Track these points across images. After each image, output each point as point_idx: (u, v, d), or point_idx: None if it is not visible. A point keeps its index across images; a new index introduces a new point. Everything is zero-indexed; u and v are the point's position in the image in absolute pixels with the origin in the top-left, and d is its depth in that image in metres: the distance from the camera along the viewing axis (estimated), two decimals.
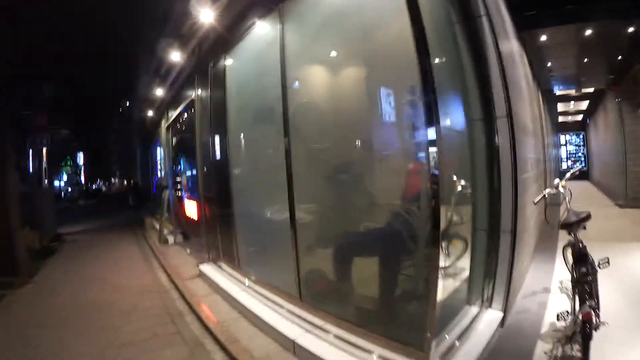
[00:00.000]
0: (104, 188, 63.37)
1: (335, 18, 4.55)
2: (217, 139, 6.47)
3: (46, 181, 13.59)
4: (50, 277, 7.40)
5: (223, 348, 3.94)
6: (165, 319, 4.92)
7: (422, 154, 3.38)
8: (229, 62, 6.12)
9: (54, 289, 6.51)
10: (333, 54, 4.92)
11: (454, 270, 3.79)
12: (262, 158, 5.77)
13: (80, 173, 54.65)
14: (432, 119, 2.85)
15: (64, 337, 4.51)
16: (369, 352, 3.23)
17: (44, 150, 12.52)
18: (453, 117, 3.70)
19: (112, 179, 72.91)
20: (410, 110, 3.74)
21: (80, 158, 55.34)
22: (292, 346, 3.61)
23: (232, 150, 6.10)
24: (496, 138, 3.60)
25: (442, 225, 2.83)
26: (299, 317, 4.09)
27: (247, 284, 5.28)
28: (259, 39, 5.27)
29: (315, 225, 4.71)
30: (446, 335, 3.16)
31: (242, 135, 6.12)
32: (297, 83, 4.69)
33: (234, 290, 5.19)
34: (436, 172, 2.85)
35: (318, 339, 3.61)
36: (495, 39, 3.71)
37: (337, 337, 3.56)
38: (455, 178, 3.42)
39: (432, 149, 2.86)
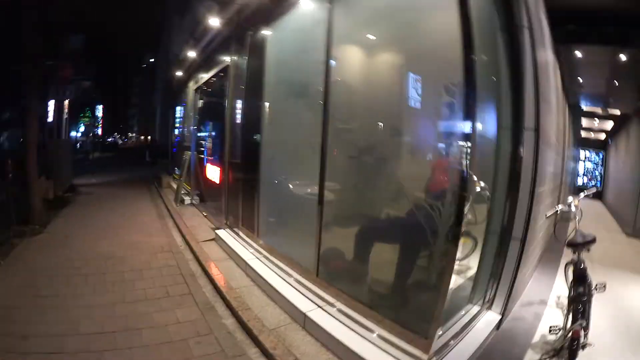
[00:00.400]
0: (120, 142, 63.74)
1: (385, 6, 4.64)
2: (250, 107, 6.47)
3: (64, 132, 13.63)
4: (64, 228, 7.45)
5: (234, 314, 4.03)
6: (178, 279, 5.03)
7: (452, 151, 3.58)
8: (270, 33, 6.08)
9: (66, 240, 6.56)
10: (377, 40, 5.06)
11: (462, 267, 3.96)
12: (295, 132, 5.85)
13: (98, 125, 54.83)
14: (469, 117, 2.98)
15: (75, 288, 4.58)
16: (376, 334, 3.37)
17: (66, 101, 12.47)
18: (484, 122, 3.77)
19: (130, 134, 73.24)
20: (447, 106, 3.87)
21: (100, 110, 55.46)
22: (303, 319, 3.75)
23: (265, 120, 6.11)
24: (521, 149, 3.68)
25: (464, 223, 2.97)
26: (313, 292, 4.20)
27: (263, 254, 5.38)
28: (305, 16, 5.27)
29: (341, 204, 4.84)
30: (446, 329, 3.30)
31: (277, 107, 6.14)
32: (339, 63, 4.73)
33: (249, 257, 5.30)
34: (466, 171, 2.97)
35: (329, 315, 3.74)
36: (533, 52, 3.78)
37: (347, 315, 3.69)
38: (477, 179, 3.49)
39: (466, 148, 2.99)
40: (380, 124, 4.83)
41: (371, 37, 5.15)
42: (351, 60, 5.22)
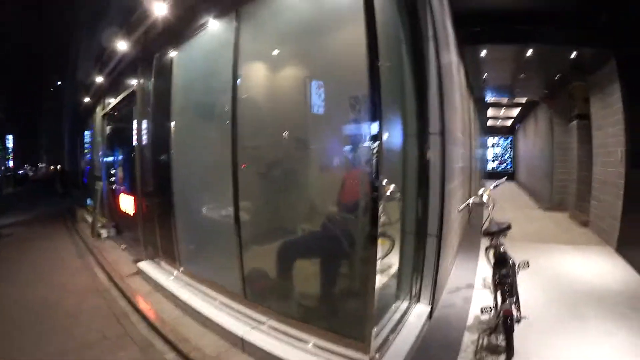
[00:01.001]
0: (30, 173, 59.69)
1: (291, 23, 4.74)
2: (158, 132, 6.29)
3: None
4: None
5: (174, 347, 3.97)
6: (112, 320, 4.85)
7: (360, 160, 3.74)
8: (177, 56, 6.02)
9: None
10: (283, 55, 5.14)
11: (383, 267, 4.11)
12: (205, 155, 5.78)
13: (9, 158, 51.10)
14: (375, 124, 3.11)
15: (18, 341, 4.38)
16: (314, 345, 3.47)
17: None
18: (391, 129, 3.94)
19: (39, 164, 68.80)
20: (352, 118, 4.02)
21: (10, 141, 51.75)
22: (240, 342, 3.76)
23: (174, 145, 6.01)
24: (428, 153, 3.92)
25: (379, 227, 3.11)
26: (244, 314, 4.21)
27: (188, 282, 5.29)
28: (212, 37, 5.26)
29: (257, 223, 4.84)
30: (381, 328, 3.45)
31: (186, 130, 6.05)
32: (246, 81, 4.81)
33: (175, 288, 5.19)
34: (375, 176, 3.11)
35: (265, 334, 3.77)
36: (438, 60, 4.02)
37: (283, 332, 3.75)
38: (388, 184, 3.62)
39: (374, 155, 3.12)
40: (285, 135, 4.92)
41: (277, 53, 5.22)
42: (257, 77, 5.26)
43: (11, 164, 51.03)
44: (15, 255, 8.70)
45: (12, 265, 7.83)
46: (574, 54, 7.98)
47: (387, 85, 3.44)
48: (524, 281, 3.81)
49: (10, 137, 51.48)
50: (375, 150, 3.11)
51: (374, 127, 3.11)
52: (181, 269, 5.66)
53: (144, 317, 4.81)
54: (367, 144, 3.25)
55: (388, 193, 3.62)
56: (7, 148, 51.04)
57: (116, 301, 5.50)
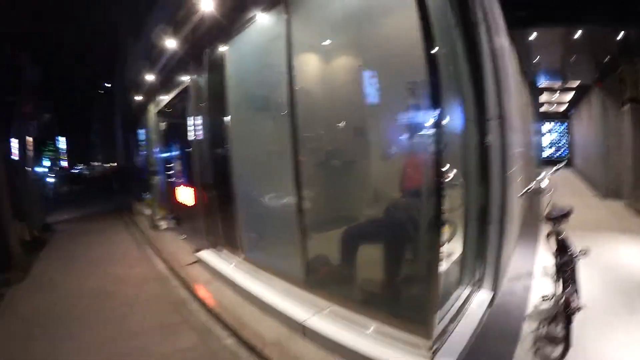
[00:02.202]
0: (86, 172, 62.23)
1: (342, 11, 4.73)
2: (215, 125, 6.40)
3: (31, 169, 13.31)
4: (46, 270, 7.26)
5: (234, 333, 4.04)
6: (169, 308, 4.99)
7: (421, 146, 3.70)
8: (228, 50, 6.06)
9: (52, 283, 6.43)
10: (336, 45, 5.18)
11: (446, 253, 4.05)
12: (263, 144, 5.86)
13: (62, 158, 53.58)
14: (436, 110, 3.05)
15: (70, 330, 4.51)
16: (374, 330, 3.47)
17: (30, 138, 12.16)
18: (450, 115, 3.83)
19: (94, 162, 71.62)
20: (411, 104, 3.98)
21: (62, 142, 54.22)
22: (301, 328, 3.79)
23: (232, 136, 6.07)
24: (488, 138, 3.82)
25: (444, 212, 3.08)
26: (306, 300, 4.24)
27: (250, 270, 5.36)
28: (263, 29, 5.27)
29: (317, 211, 4.87)
30: (444, 314, 3.41)
31: (242, 121, 6.10)
32: (300, 71, 4.75)
33: (236, 275, 5.28)
34: (439, 162, 3.05)
35: (326, 320, 3.79)
36: (491, 45, 3.91)
37: (344, 318, 3.76)
38: (450, 170, 3.54)
39: (435, 141, 3.08)
40: (342, 124, 4.90)
41: (330, 43, 5.22)
42: (311, 67, 5.30)
43: (65, 163, 53.28)
44: (71, 249, 9.07)
45: (68, 258, 8.16)
46: (621, 34, 7.61)
47: (443, 70, 3.35)
48: (582, 270, 3.67)
49: (62, 139, 53.63)
50: (437, 136, 3.05)
51: (435, 113, 3.05)
52: (242, 256, 5.74)
53: (202, 304, 4.92)
54: (427, 129, 3.19)
55: (450, 178, 3.55)
56: (59, 149, 53.27)
57: (175, 290, 5.65)
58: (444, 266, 3.71)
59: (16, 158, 11.32)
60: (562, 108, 22.73)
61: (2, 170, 7.90)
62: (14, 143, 11.45)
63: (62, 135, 54.03)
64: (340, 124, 4.77)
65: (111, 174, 35.38)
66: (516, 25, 6.86)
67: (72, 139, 59.90)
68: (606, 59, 9.81)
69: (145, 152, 14.78)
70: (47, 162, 45.98)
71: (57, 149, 52.53)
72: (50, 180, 35.36)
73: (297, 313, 4.00)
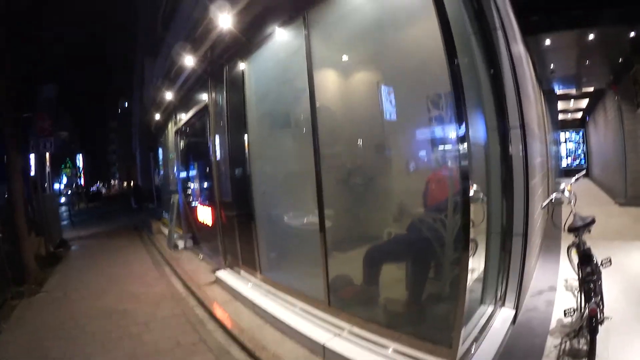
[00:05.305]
0: (103, 190, 63.18)
1: (361, 26, 4.70)
2: (234, 143, 6.36)
3: (48, 185, 13.50)
4: (61, 285, 7.30)
5: (251, 355, 3.95)
6: (186, 327, 4.92)
7: (444, 161, 3.68)
8: (247, 67, 6.03)
9: (66, 298, 6.45)
10: (356, 60, 5.18)
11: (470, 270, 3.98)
12: (284, 162, 5.86)
13: (80, 175, 54.47)
14: (460, 123, 2.98)
15: (83, 348, 4.45)
16: (397, 351, 3.36)
17: (47, 154, 12.36)
18: (472, 126, 3.74)
19: (112, 181, 72.73)
20: (434, 117, 3.89)
21: (80, 160, 55.19)
22: (321, 350, 3.70)
23: (252, 155, 6.01)
24: (510, 147, 3.74)
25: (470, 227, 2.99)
26: (326, 321, 4.15)
27: (269, 290, 5.30)
28: (282, 45, 5.27)
29: (339, 229, 4.80)
30: (467, 333, 3.30)
31: (262, 139, 6.08)
32: (320, 88, 4.72)
33: (255, 296, 5.21)
34: (466, 178, 2.97)
35: (348, 342, 3.70)
36: (509, 51, 3.85)
37: (366, 339, 3.65)
38: (471, 184, 3.53)
39: (459, 154, 3.00)
40: (360, 142, 4.84)
41: (350, 58, 5.20)
42: (331, 83, 5.26)
43: (82, 181, 54.20)
44: (88, 265, 9.13)
45: (84, 274, 8.22)
46: (632, 34, 7.52)
47: (463, 79, 3.31)
48: (605, 281, 3.56)
49: (80, 157, 54.66)
50: (462, 150, 2.97)
51: (460, 127, 2.99)
52: (262, 277, 5.67)
53: (220, 325, 4.84)
54: (451, 143, 3.12)
55: (472, 192, 3.47)
56: (78, 167, 54.25)
57: (192, 309, 5.58)
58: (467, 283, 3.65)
59: (33, 174, 11.51)
60: (578, 116, 22.66)
61: (19, 185, 8.01)
62: (32, 159, 11.66)
63: (80, 153, 54.96)
64: (358, 142, 4.72)
65: (129, 192, 35.89)
66: (530, 31, 6.88)
67: (90, 156, 61.00)
68: (620, 60, 9.69)
69: (163, 171, 14.92)
70: (65, 179, 46.75)
71: (75, 166, 53.38)
72: (68, 196, 35.93)
73: (317, 334, 3.91)
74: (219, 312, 5.15)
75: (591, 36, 7.69)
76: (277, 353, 3.88)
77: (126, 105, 52.57)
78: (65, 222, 17.63)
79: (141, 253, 10.47)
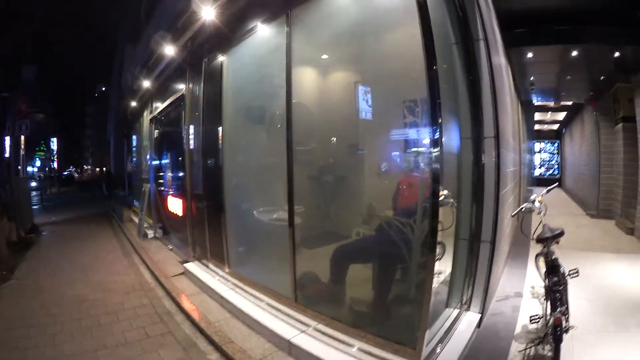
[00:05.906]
0: (76, 175, 61.89)
1: (344, 26, 4.74)
2: (209, 135, 6.30)
3: (22, 168, 13.19)
4: (32, 273, 7.14)
5: (218, 348, 3.95)
6: (155, 319, 4.89)
7: (417, 165, 3.72)
8: (227, 59, 5.99)
9: (37, 286, 6.29)
10: (335, 60, 5.21)
11: (435, 273, 4.04)
12: (257, 157, 5.83)
13: (53, 159, 53.30)
14: (434, 129, 3.03)
15: (54, 337, 4.38)
16: (363, 351, 3.40)
17: (22, 137, 12.06)
18: (447, 133, 3.83)
19: (85, 166, 71.30)
20: (408, 121, 3.92)
21: (54, 143, 53.99)
22: (288, 346, 3.72)
23: (225, 148, 5.98)
24: (483, 156, 3.82)
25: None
26: (293, 318, 4.17)
27: (237, 284, 5.29)
28: (263, 42, 5.26)
29: (308, 226, 4.83)
30: (432, 335, 3.35)
31: (237, 133, 6.04)
32: (298, 85, 4.73)
33: (223, 289, 5.20)
34: (436, 182, 3.03)
35: (313, 339, 3.73)
36: (490, 62, 3.92)
37: (332, 337, 3.69)
38: (442, 189, 3.58)
39: (432, 160, 3.06)
40: (334, 141, 4.88)
41: (330, 57, 5.22)
42: (310, 81, 5.28)
43: (55, 165, 52.98)
44: (59, 252, 8.95)
45: (55, 261, 8.05)
46: (617, 54, 7.72)
47: (442, 86, 3.36)
48: (571, 290, 3.67)
49: (54, 140, 53.45)
50: (434, 155, 3.03)
51: (434, 132, 3.03)
52: (230, 271, 5.67)
53: (188, 317, 4.83)
54: (424, 148, 3.17)
55: (442, 197, 3.53)
56: (52, 150, 53.08)
57: (161, 300, 5.54)
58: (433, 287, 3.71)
59: (8, 156, 11.22)
60: (554, 127, 22.97)
61: None
62: (7, 141, 11.35)
63: (55, 137, 53.76)
64: (332, 139, 4.75)
65: (102, 178, 35.25)
66: (513, 44, 6.97)
67: (65, 140, 59.70)
68: (601, 78, 9.91)
69: (136, 159, 14.68)
70: (38, 162, 45.69)
71: (49, 150, 52.23)
72: (41, 180, 35.11)
73: (284, 330, 3.93)
74: (187, 305, 5.12)
75: (574, 52, 7.82)
76: (244, 347, 3.88)
77: (103, 90, 51.49)
78: (36, 207, 17.28)
79: (111, 241, 10.34)
